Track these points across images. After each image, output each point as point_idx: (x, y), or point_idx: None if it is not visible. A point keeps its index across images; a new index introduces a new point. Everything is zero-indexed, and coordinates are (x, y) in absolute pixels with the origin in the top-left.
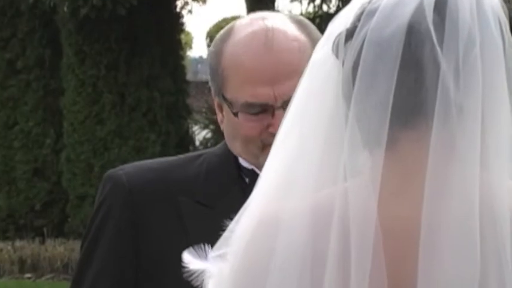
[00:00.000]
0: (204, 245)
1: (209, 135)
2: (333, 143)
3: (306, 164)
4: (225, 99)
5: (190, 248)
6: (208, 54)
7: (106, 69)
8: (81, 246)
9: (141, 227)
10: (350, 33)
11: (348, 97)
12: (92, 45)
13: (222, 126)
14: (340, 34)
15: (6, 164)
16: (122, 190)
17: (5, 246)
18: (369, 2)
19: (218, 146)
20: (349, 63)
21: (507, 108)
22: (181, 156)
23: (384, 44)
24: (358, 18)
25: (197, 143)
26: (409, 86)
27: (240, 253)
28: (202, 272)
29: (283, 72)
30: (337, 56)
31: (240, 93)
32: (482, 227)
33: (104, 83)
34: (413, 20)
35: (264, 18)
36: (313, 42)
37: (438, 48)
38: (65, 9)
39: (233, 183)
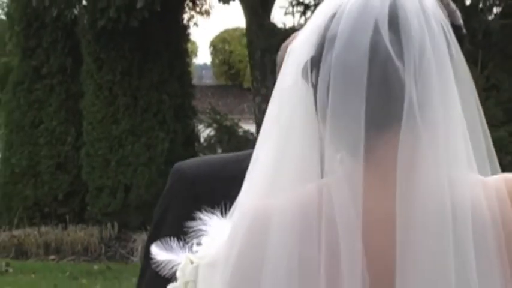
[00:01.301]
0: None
1: (212, 133)
2: (309, 148)
3: (287, 165)
4: None
5: (158, 242)
6: (280, 51)
7: (121, 75)
8: (149, 232)
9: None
10: (316, 61)
11: (323, 116)
12: (109, 54)
13: None
14: (307, 62)
15: (32, 159)
16: (185, 182)
17: (32, 231)
18: (325, 29)
19: None
20: (322, 88)
21: (459, 107)
22: (237, 153)
23: (349, 69)
24: (321, 46)
25: (202, 140)
26: (378, 100)
27: (236, 247)
28: (168, 262)
29: None
30: (307, 80)
31: None
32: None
33: (119, 87)
34: (373, 43)
35: None
36: None
37: (399, 64)
38: (85, 21)
39: None
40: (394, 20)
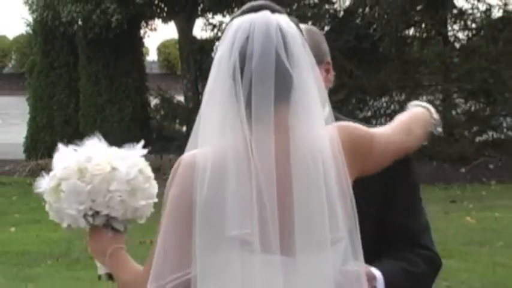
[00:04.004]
0: None
1: (158, 102)
2: (230, 115)
3: (211, 125)
4: None
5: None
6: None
7: (103, 67)
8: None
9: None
10: (241, 66)
11: (246, 98)
12: (95, 54)
13: None
14: (235, 67)
15: (49, 118)
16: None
17: (49, 161)
18: (243, 48)
19: None
20: (245, 82)
21: (315, 88)
22: None
23: (263, 74)
24: (243, 59)
25: (152, 105)
26: (278, 91)
27: (173, 188)
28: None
29: None
30: (232, 78)
31: None
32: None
33: (102, 74)
34: (276, 61)
35: None
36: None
37: (291, 71)
38: (80, 34)
39: None
40: (287, 46)
